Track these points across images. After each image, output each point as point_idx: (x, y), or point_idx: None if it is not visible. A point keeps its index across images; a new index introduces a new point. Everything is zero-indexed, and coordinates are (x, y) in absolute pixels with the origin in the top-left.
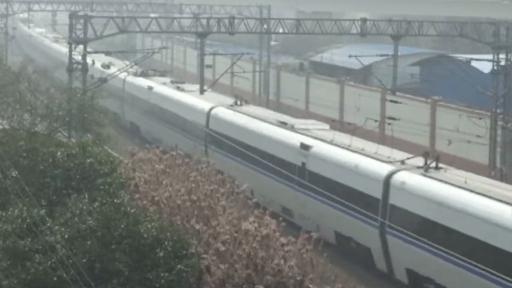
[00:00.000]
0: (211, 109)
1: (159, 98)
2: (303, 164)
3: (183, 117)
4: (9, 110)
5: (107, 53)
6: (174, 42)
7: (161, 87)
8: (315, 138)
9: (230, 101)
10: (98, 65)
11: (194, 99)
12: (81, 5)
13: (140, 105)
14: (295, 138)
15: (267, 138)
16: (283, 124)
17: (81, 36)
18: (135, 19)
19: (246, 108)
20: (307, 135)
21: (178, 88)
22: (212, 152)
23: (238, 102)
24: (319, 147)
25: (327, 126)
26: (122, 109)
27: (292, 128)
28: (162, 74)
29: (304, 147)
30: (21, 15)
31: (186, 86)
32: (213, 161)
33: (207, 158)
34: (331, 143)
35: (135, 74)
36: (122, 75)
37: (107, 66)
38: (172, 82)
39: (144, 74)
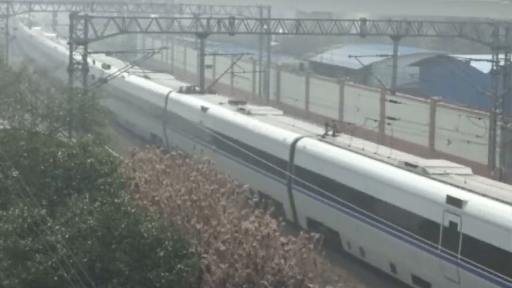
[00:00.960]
0: (296, 141)
1: (218, 122)
2: (453, 225)
3: (253, 147)
4: (10, 110)
5: (107, 53)
6: (174, 43)
7: (219, 108)
8: (466, 189)
9: (317, 129)
10: (108, 66)
11: (271, 128)
12: (81, 5)
13: (191, 130)
14: (435, 188)
15: (387, 185)
16: (410, 167)
17: (82, 36)
18: (135, 19)
19: (344, 140)
20: (451, 184)
21: (242, 111)
22: (299, 194)
23: (330, 132)
24: (478, 203)
25: (470, 170)
26: (164, 132)
27: (425, 173)
28: (212, 91)
29: (454, 202)
30: (21, 15)
31: (251, 108)
32: (302, 204)
33: (291, 199)
34: (495, 198)
35: (180, 91)
36: (164, 90)
37: (107, 66)
38: (231, 102)
39: (191, 91)
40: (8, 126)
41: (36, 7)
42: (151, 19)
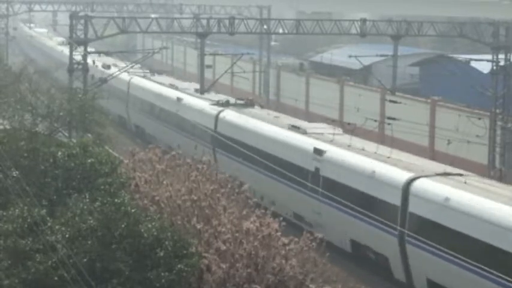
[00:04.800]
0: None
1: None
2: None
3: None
4: (10, 110)
5: (107, 53)
6: (174, 43)
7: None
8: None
9: (431, 164)
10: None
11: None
12: (81, 5)
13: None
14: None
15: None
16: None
17: (82, 36)
18: (135, 19)
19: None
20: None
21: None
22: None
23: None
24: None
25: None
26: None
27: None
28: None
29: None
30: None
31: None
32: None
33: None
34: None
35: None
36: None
37: (107, 66)
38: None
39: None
40: (8, 126)
41: (36, 7)
42: (152, 19)
